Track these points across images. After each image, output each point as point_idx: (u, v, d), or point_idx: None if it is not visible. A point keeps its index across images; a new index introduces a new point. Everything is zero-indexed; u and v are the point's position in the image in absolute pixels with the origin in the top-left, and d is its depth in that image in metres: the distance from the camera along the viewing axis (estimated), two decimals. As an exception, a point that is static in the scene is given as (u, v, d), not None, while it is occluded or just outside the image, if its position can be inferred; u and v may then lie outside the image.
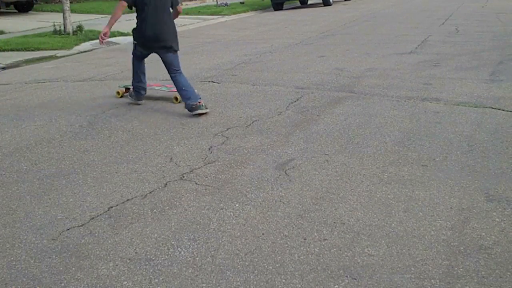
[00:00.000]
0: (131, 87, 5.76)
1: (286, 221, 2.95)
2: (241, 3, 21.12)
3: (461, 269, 2.42)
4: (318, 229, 2.84)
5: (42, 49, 10.56)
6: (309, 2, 21.64)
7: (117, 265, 2.59)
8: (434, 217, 2.91)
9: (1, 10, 18.04)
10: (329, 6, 19.37)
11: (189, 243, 2.76)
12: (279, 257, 2.59)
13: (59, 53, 10.31)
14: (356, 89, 5.92)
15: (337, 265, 2.50)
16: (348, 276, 2.41)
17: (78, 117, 5.33)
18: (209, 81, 6.72)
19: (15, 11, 18.30)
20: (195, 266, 2.55)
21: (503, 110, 4.89)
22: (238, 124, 4.83)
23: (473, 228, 2.79)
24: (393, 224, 2.86)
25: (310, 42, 10.03)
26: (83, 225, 3.02)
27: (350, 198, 3.20)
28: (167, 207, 3.20)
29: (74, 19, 13.17)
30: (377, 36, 10.39)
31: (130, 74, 5.94)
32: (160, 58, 5.31)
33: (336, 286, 2.34)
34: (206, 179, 3.60)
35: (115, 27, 13.59)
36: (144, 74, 5.67)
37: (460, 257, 2.52)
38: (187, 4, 22.26)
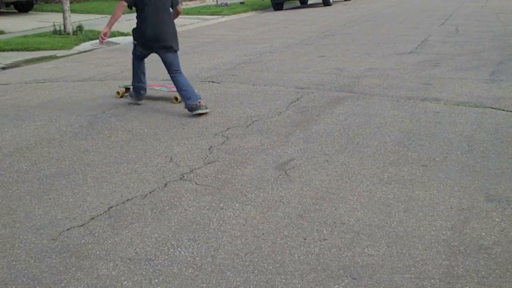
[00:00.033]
0: (131, 87, 5.76)
1: (286, 221, 2.95)
2: (241, 3, 21.12)
3: (461, 269, 2.42)
4: (318, 229, 2.84)
5: (42, 49, 10.56)
6: (309, 2, 21.64)
7: (117, 265, 2.59)
8: (434, 217, 2.91)
9: (1, 10, 18.04)
10: (329, 6, 19.37)
11: (189, 243, 2.76)
12: (279, 257, 2.59)
13: (59, 53, 10.31)
14: (356, 89, 5.92)
15: (337, 265, 2.50)
16: (348, 276, 2.41)
17: (78, 117, 5.33)
18: (209, 81, 6.72)
19: (15, 11, 18.30)
20: (195, 266, 2.55)
21: (503, 110, 4.89)
22: (238, 124, 4.83)
23: (473, 228, 2.79)
24: (393, 224, 2.86)
25: (310, 42, 10.03)
26: (83, 225, 3.02)
27: (350, 198, 3.20)
28: (167, 207, 3.20)
29: (74, 19, 13.18)
30: (377, 36, 10.40)
31: (130, 74, 5.94)
32: (160, 58, 5.31)
33: (336, 286, 2.34)
34: (206, 179, 3.60)
35: (115, 27, 13.59)
36: (144, 74, 5.68)
37: (460, 257, 2.52)
38: (187, 4, 22.27)
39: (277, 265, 2.52)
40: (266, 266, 2.52)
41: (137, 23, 5.37)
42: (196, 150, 4.19)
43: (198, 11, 18.74)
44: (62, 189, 3.55)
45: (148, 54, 5.48)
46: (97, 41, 11.75)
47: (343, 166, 3.71)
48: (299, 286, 2.36)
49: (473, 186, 3.28)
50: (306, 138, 4.34)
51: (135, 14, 5.43)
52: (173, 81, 5.30)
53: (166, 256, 2.65)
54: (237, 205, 3.17)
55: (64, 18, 12.14)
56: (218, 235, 2.83)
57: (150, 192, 3.43)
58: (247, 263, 2.55)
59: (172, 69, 5.24)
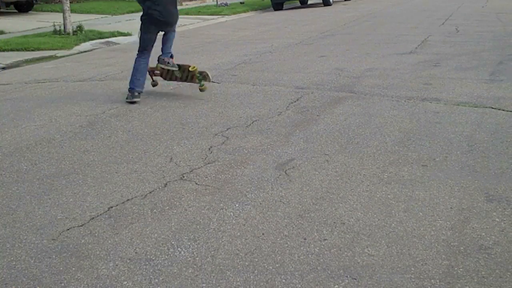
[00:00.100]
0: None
1: (286, 221, 2.95)
2: (241, 3, 21.11)
3: (461, 269, 2.42)
4: (318, 229, 2.84)
5: (42, 49, 10.55)
6: (309, 2, 21.63)
7: (117, 265, 2.59)
8: (434, 217, 2.91)
9: (1, 10, 18.03)
10: (329, 6, 19.36)
11: (189, 243, 2.76)
12: (279, 257, 2.59)
13: (59, 53, 10.31)
14: (356, 89, 5.92)
15: (337, 265, 2.50)
16: (348, 276, 2.41)
17: (78, 117, 5.33)
18: (209, 82, 6.71)
19: (15, 11, 18.30)
20: (195, 266, 2.55)
21: (503, 110, 4.89)
22: (238, 124, 4.83)
23: (473, 228, 2.79)
24: (393, 224, 2.86)
25: (310, 42, 10.03)
26: (83, 225, 3.02)
27: (350, 198, 3.21)
28: (167, 207, 3.20)
29: (74, 19, 13.17)
30: (377, 36, 10.40)
31: (129, 74, 5.94)
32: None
33: (336, 286, 2.35)
34: (206, 179, 3.60)
35: (115, 27, 13.64)
36: (144, 75, 5.79)
37: (460, 257, 2.52)
38: (187, 4, 22.27)
39: (277, 265, 2.52)
40: (266, 266, 2.52)
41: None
42: (196, 150, 4.19)
43: (198, 11, 18.74)
44: (62, 189, 3.55)
45: (155, 37, 5.87)
46: (97, 41, 11.86)
47: (343, 166, 3.72)
48: (299, 286, 2.36)
49: (473, 186, 3.29)
50: (306, 138, 4.34)
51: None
52: (166, 37, 5.93)
53: (166, 256, 2.65)
54: (237, 205, 3.18)
55: (64, 18, 12.13)
56: (218, 235, 2.83)
57: (150, 192, 3.43)
58: (247, 263, 2.55)
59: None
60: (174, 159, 4.01)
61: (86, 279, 2.48)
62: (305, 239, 2.75)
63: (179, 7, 6.25)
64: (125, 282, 2.44)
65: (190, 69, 5.89)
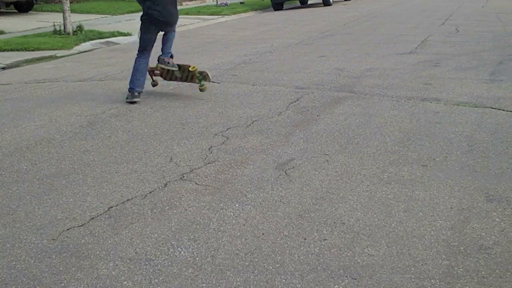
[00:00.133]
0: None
1: (286, 221, 2.95)
2: (241, 3, 21.11)
3: (461, 269, 2.42)
4: (318, 229, 2.84)
5: (42, 49, 10.55)
6: (309, 2, 21.63)
7: (117, 265, 2.59)
8: (434, 217, 2.91)
9: (1, 10, 18.03)
10: (329, 6, 19.36)
11: (189, 243, 2.76)
12: (279, 257, 2.59)
13: (59, 53, 10.31)
14: (356, 89, 5.93)
15: (337, 265, 2.50)
16: (348, 276, 2.41)
17: (78, 117, 5.33)
18: (209, 82, 6.71)
19: (15, 11, 18.30)
20: (195, 266, 2.55)
21: (503, 110, 4.89)
22: (238, 124, 4.83)
23: (473, 228, 2.79)
24: (393, 224, 2.86)
25: (310, 42, 10.03)
26: (83, 225, 3.02)
27: (350, 198, 3.21)
28: (167, 207, 3.20)
29: (74, 19, 13.17)
30: (377, 36, 10.40)
31: (129, 74, 5.95)
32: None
33: (336, 286, 2.35)
34: (206, 179, 3.60)
35: (115, 27, 13.63)
36: (144, 75, 5.82)
37: (460, 257, 2.52)
38: (187, 4, 22.27)
39: (277, 265, 2.52)
40: (266, 266, 2.52)
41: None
42: (196, 150, 4.19)
43: (198, 11, 18.74)
44: (62, 189, 3.55)
45: (155, 37, 5.88)
46: (97, 41, 11.87)
47: (343, 166, 3.72)
48: (299, 286, 2.36)
49: (473, 186, 3.29)
50: (306, 138, 4.34)
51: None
52: (167, 37, 5.96)
53: (166, 256, 2.65)
54: (237, 205, 3.18)
55: (64, 18, 12.13)
56: (218, 235, 2.83)
57: (150, 192, 3.43)
58: (247, 263, 2.55)
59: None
60: (174, 159, 4.01)
61: (86, 279, 2.48)
62: (305, 239, 2.75)
63: (179, 7, 6.28)
64: (125, 282, 2.44)
65: (190, 69, 5.89)
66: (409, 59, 7.59)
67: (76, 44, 11.21)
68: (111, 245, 2.78)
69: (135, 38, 11.65)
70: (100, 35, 12.26)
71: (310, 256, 2.59)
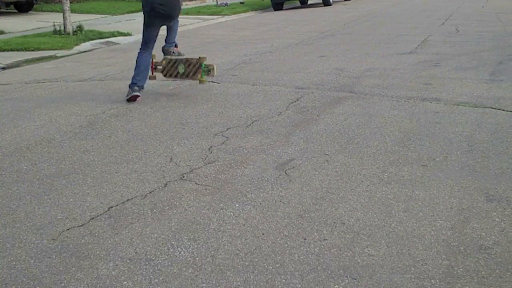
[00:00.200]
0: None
1: (286, 221, 2.95)
2: (241, 3, 21.11)
3: (461, 269, 2.42)
4: (318, 229, 2.84)
5: (42, 49, 10.55)
6: (309, 2, 21.63)
7: (117, 265, 2.59)
8: (434, 217, 2.91)
9: (1, 10, 18.03)
10: (329, 6, 19.37)
11: (189, 243, 2.76)
12: (279, 257, 2.59)
13: (59, 53, 10.31)
14: (356, 89, 5.93)
15: (337, 265, 2.50)
16: (348, 276, 2.41)
17: (78, 117, 5.33)
18: (209, 81, 6.71)
19: (15, 11, 18.30)
20: (195, 266, 2.55)
21: (503, 110, 4.89)
22: (238, 124, 4.83)
23: (473, 228, 2.79)
24: (393, 224, 2.86)
25: (310, 42, 10.03)
26: (83, 225, 3.02)
27: (350, 198, 3.21)
28: (167, 207, 3.20)
29: (74, 19, 13.17)
30: (377, 36, 10.40)
31: (129, 74, 5.95)
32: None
33: (336, 286, 2.35)
34: (206, 179, 3.60)
35: (115, 27, 13.63)
36: (147, 69, 5.89)
37: (460, 257, 2.52)
38: (187, 4, 22.26)
39: (277, 265, 2.52)
40: (266, 266, 2.52)
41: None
42: (196, 150, 4.19)
43: (198, 11, 18.74)
44: (62, 189, 3.55)
45: (158, 30, 5.91)
46: (97, 41, 11.87)
47: (343, 166, 3.72)
48: (299, 286, 2.36)
49: (473, 186, 3.29)
50: (306, 138, 4.34)
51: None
52: (171, 28, 6.12)
53: (166, 256, 2.65)
54: (237, 205, 3.18)
55: (64, 18, 12.13)
56: (218, 235, 2.83)
57: (150, 192, 3.43)
58: (247, 263, 2.55)
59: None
60: (174, 159, 4.01)
61: (86, 279, 2.48)
62: (305, 239, 2.75)
63: (179, 7, 6.29)
64: (125, 282, 2.44)
65: (200, 56, 6.05)
66: (409, 59, 7.59)
67: (76, 44, 11.21)
68: (111, 245, 2.78)
69: (135, 38, 11.67)
70: (100, 35, 12.26)
71: (310, 256, 2.59)
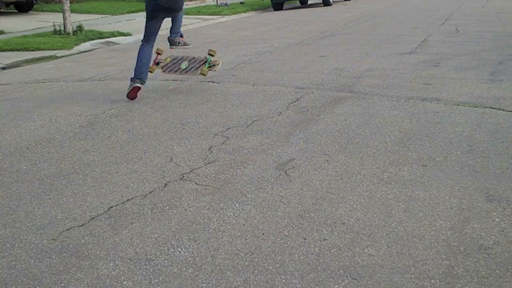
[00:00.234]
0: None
1: (286, 221, 2.95)
2: (241, 3, 21.12)
3: (461, 269, 2.42)
4: (318, 229, 2.84)
5: (42, 49, 10.55)
6: (309, 2, 21.64)
7: (117, 265, 2.59)
8: (434, 217, 2.91)
9: (1, 10, 18.04)
10: (329, 6, 19.37)
11: (189, 243, 2.76)
12: (279, 257, 2.59)
13: (59, 53, 10.31)
14: (356, 89, 5.92)
15: (337, 265, 2.50)
16: (348, 276, 2.41)
17: (78, 117, 5.33)
18: (209, 81, 6.71)
19: (15, 11, 18.30)
20: (195, 266, 2.55)
21: (503, 110, 4.89)
22: (238, 124, 4.83)
23: (473, 228, 2.79)
24: (393, 224, 2.86)
25: (310, 42, 10.03)
26: (83, 225, 3.02)
27: (350, 198, 3.21)
28: (167, 207, 3.20)
29: (74, 19, 13.17)
30: (377, 36, 10.40)
31: (129, 74, 5.95)
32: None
33: (336, 286, 2.35)
34: (206, 179, 3.60)
35: (115, 27, 13.63)
36: (148, 63, 5.91)
37: (460, 257, 2.52)
38: (187, 4, 22.23)
39: (277, 265, 2.52)
40: (266, 266, 2.52)
41: None
42: (196, 150, 4.19)
43: (198, 11, 18.75)
44: (62, 189, 3.55)
45: (159, 25, 5.93)
46: (97, 41, 11.88)
47: (343, 166, 3.72)
48: (299, 286, 2.36)
49: (473, 186, 3.29)
50: (306, 138, 4.34)
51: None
52: (175, 18, 6.15)
53: (166, 256, 2.65)
54: (237, 205, 3.18)
55: (64, 18, 12.14)
56: (218, 235, 2.83)
57: (150, 192, 3.43)
58: (247, 263, 2.55)
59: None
60: (174, 159, 4.01)
61: (86, 279, 2.48)
62: (305, 239, 2.75)
63: (179, 7, 6.32)
64: (125, 282, 2.44)
65: (211, 49, 6.20)
66: (409, 59, 7.59)
67: (76, 44, 11.21)
68: (111, 245, 2.78)
69: (135, 38, 11.67)
70: (100, 35, 12.27)
71: (310, 256, 2.59)
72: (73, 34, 12.05)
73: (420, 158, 3.80)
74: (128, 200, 3.33)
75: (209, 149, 4.20)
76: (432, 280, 2.34)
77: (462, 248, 2.60)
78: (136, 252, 2.70)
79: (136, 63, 5.85)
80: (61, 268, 2.58)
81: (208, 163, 3.88)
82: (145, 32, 5.91)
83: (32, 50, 10.47)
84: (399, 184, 3.36)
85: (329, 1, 19.62)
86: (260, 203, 3.18)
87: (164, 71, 6.33)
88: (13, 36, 12.09)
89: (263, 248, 2.68)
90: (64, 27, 12.14)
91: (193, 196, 3.34)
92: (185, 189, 3.44)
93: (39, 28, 13.90)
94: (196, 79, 6.79)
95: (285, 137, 4.39)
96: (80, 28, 12.41)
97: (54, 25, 12.27)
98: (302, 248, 2.66)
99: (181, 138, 4.51)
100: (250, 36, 11.74)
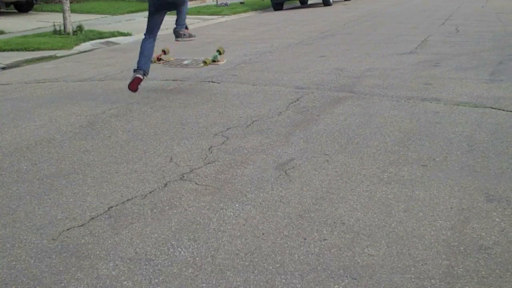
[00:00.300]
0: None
1: (286, 221, 2.95)
2: (241, 3, 21.12)
3: (461, 269, 2.42)
4: (318, 229, 2.84)
5: (42, 49, 10.55)
6: (309, 2, 21.64)
7: (117, 265, 2.59)
8: (434, 217, 2.91)
9: (1, 10, 18.04)
10: (329, 6, 19.37)
11: (189, 243, 2.76)
12: (279, 257, 2.59)
13: (59, 53, 10.31)
14: (356, 89, 5.92)
15: (337, 265, 2.50)
16: (348, 276, 2.41)
17: (78, 117, 5.33)
18: (209, 81, 6.72)
19: (15, 11, 18.30)
20: (195, 266, 2.55)
21: (503, 110, 4.89)
22: (238, 124, 4.83)
23: (473, 228, 2.79)
24: (393, 224, 2.86)
25: (310, 42, 10.03)
26: (83, 225, 3.02)
27: (350, 198, 3.21)
28: (167, 207, 3.20)
29: (74, 19, 13.17)
30: (377, 36, 10.40)
31: (129, 74, 5.95)
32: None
33: (336, 286, 2.35)
34: (206, 179, 3.60)
35: (115, 27, 13.63)
36: (150, 56, 5.95)
37: (460, 257, 2.52)
38: (187, 4, 22.25)
39: (277, 265, 2.52)
40: (266, 266, 2.52)
41: None
42: (196, 150, 4.19)
43: (198, 11, 18.74)
44: (62, 189, 3.55)
45: (161, 17, 5.94)
46: (97, 41, 11.88)
47: (343, 166, 3.72)
48: (299, 286, 2.36)
49: (473, 186, 3.29)
50: (306, 138, 4.34)
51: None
52: (180, 10, 6.04)
53: (166, 256, 2.65)
54: (237, 205, 3.18)
55: (64, 18, 12.14)
56: (218, 235, 2.83)
57: (150, 192, 3.43)
58: (247, 263, 2.55)
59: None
60: (174, 159, 4.01)
61: (86, 279, 2.48)
62: (305, 239, 2.75)
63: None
64: (125, 282, 2.44)
65: (220, 47, 6.49)
66: (409, 59, 7.59)
67: (76, 44, 11.21)
68: (111, 245, 2.78)
69: (135, 38, 11.68)
70: (100, 35, 12.27)
71: (310, 256, 2.59)
72: (73, 34, 12.06)
73: (420, 158, 3.80)
74: (128, 200, 3.33)
75: (209, 149, 4.20)
76: (432, 280, 2.34)
77: (462, 248, 2.60)
78: (136, 252, 2.70)
79: (139, 56, 5.89)
80: (61, 268, 2.58)
81: (208, 163, 3.88)
82: (147, 25, 5.93)
83: (32, 50, 10.47)
84: (399, 184, 3.36)
85: (329, 1, 19.62)
86: (260, 203, 3.18)
87: (165, 64, 6.47)
88: (13, 36, 12.09)
89: (263, 248, 2.68)
90: (64, 27, 12.14)
91: (193, 196, 3.34)
92: (185, 189, 3.44)
93: (39, 28, 13.90)
94: (196, 79, 6.80)
95: (285, 137, 4.39)
96: (80, 28, 12.41)
97: (54, 25, 12.27)
98: (302, 248, 2.66)
99: (181, 138, 4.51)
100: (250, 36, 11.74)
